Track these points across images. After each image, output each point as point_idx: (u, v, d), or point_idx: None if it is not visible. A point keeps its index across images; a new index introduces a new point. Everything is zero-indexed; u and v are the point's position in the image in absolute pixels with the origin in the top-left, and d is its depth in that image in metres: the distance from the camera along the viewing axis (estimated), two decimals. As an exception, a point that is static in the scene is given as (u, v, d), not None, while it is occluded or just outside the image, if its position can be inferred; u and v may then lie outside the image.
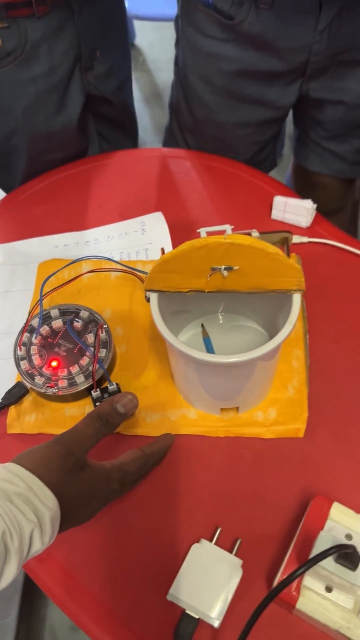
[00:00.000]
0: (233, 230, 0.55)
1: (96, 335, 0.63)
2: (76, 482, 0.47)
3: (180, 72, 0.90)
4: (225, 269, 0.49)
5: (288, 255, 0.65)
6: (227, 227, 0.55)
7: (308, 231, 0.75)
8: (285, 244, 0.65)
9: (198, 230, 0.56)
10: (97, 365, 0.61)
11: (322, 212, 1.03)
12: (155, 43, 2.29)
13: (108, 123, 0.99)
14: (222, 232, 0.55)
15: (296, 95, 0.84)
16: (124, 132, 1.04)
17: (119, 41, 0.92)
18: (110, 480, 0.50)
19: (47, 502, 0.43)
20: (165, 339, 0.50)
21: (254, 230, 0.63)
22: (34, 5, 0.72)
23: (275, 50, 0.76)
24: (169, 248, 0.72)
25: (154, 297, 0.53)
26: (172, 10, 0.88)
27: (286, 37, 0.74)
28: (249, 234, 0.65)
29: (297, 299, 0.49)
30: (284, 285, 0.49)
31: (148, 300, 0.69)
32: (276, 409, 0.61)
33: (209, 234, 0.56)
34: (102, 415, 0.50)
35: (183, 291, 0.52)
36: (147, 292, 0.53)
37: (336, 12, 0.70)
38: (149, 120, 2.10)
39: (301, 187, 1.07)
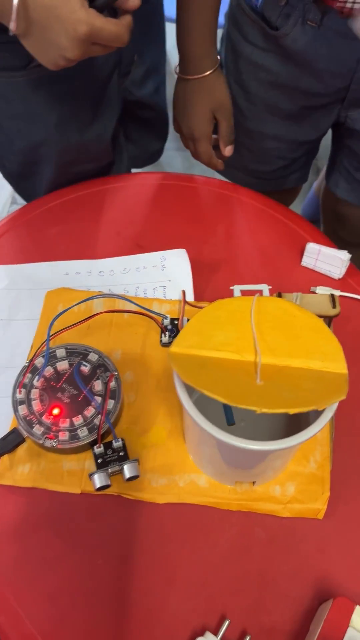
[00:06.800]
0: (271, 291, 0.50)
1: (106, 386, 0.57)
2: None
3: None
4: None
5: (330, 323, 0.60)
6: (264, 288, 0.49)
7: (340, 283, 0.69)
8: (332, 303, 0.59)
9: (231, 288, 0.51)
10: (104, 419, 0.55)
11: (346, 243, 0.98)
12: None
13: (137, 124, 0.93)
14: (259, 292, 0.50)
15: (332, 121, 0.81)
16: (153, 132, 0.98)
17: (157, 42, 0.85)
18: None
19: None
20: (192, 417, 0.44)
21: (298, 294, 0.57)
22: None
23: (314, 71, 0.72)
24: (189, 289, 0.67)
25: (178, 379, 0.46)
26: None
27: (328, 60, 0.70)
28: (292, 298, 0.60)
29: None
30: (325, 401, 0.43)
31: (164, 345, 0.64)
32: (295, 484, 0.56)
33: (244, 293, 0.51)
34: None
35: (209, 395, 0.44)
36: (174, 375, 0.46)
37: None
38: (169, 126, 2.02)
39: (329, 212, 1.04)
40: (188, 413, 0.44)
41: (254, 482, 0.55)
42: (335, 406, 0.43)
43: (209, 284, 0.68)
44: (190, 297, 0.67)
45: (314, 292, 0.67)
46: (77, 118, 0.75)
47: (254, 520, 0.55)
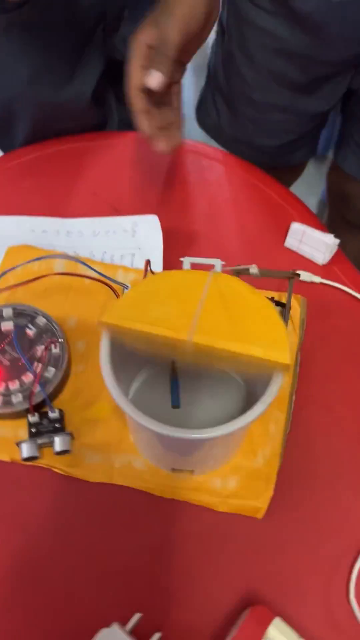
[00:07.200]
0: (224, 267, 0.45)
1: (45, 351, 0.54)
2: None
3: (222, 36, 0.79)
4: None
5: (288, 300, 0.55)
6: (217, 263, 0.45)
7: (323, 270, 0.64)
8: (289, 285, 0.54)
9: (181, 259, 0.46)
10: (38, 388, 0.52)
11: (353, 226, 0.92)
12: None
13: None
14: (210, 267, 0.45)
15: (343, 90, 0.75)
16: None
17: None
18: None
19: None
20: (112, 394, 0.40)
21: (253, 266, 0.52)
22: None
23: (325, 36, 0.65)
24: (158, 261, 0.62)
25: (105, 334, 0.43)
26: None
27: (340, 24, 0.63)
28: (248, 270, 0.55)
29: (277, 379, 0.39)
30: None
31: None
32: (237, 478, 0.52)
33: (194, 266, 0.47)
34: None
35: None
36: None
37: None
38: (193, 93, 1.94)
39: (335, 192, 0.98)
40: (109, 390, 0.40)
41: (192, 471, 0.51)
42: (274, 392, 0.39)
43: (183, 255, 0.64)
44: (158, 268, 0.62)
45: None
46: (52, 73, 0.69)
47: (188, 512, 0.51)
